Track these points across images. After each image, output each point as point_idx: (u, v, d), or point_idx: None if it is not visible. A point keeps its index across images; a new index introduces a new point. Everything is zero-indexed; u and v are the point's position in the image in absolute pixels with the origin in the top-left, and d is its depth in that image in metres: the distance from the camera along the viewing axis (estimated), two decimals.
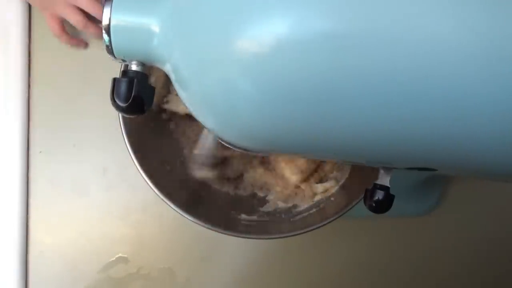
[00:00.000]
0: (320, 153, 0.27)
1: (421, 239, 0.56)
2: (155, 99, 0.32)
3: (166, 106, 0.48)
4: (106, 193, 0.53)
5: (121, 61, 0.26)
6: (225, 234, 0.41)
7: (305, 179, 0.49)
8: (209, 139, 0.41)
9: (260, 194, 0.50)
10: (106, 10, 0.24)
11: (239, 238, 0.43)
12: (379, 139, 0.23)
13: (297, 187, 0.50)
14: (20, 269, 0.51)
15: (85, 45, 0.54)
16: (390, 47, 0.19)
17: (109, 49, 0.25)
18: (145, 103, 0.26)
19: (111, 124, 0.51)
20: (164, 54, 0.24)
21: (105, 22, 0.24)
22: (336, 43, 0.20)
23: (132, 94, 0.25)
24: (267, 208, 0.49)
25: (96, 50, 0.54)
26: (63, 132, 0.53)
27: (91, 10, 0.48)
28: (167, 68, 0.25)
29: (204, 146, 0.43)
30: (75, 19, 0.49)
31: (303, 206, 0.48)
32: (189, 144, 0.50)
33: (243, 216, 0.47)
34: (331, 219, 0.41)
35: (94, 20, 0.49)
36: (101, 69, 0.54)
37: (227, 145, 0.29)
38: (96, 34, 0.50)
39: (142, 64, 0.26)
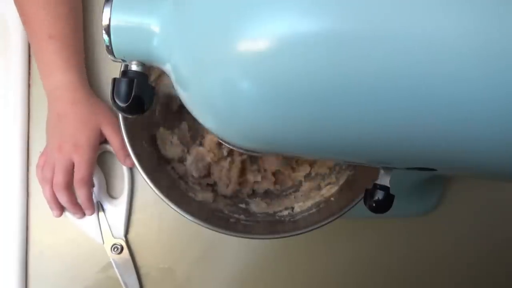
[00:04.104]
0: (320, 152, 0.27)
1: (421, 239, 0.56)
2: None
3: None
4: None
5: (121, 61, 0.26)
6: (225, 234, 0.41)
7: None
8: None
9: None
10: (106, 10, 0.24)
11: (239, 238, 0.43)
12: (379, 138, 0.23)
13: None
14: (20, 269, 0.51)
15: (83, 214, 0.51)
16: (390, 47, 0.19)
17: (109, 49, 0.25)
18: (145, 103, 0.26)
19: None
20: (164, 54, 0.24)
21: (105, 22, 0.24)
22: (336, 43, 0.20)
23: (132, 94, 0.25)
24: (266, 208, 0.49)
25: (96, 51, 0.54)
26: None
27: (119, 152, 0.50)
28: (167, 68, 0.25)
29: None
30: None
31: (303, 206, 0.48)
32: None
33: (243, 216, 0.47)
34: (331, 219, 0.41)
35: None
36: (100, 69, 0.54)
37: (227, 145, 0.29)
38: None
39: (142, 64, 0.26)
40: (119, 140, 0.49)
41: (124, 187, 0.53)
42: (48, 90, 0.49)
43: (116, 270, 0.52)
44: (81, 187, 0.48)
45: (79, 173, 0.47)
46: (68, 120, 0.47)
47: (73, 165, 0.47)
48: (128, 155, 0.48)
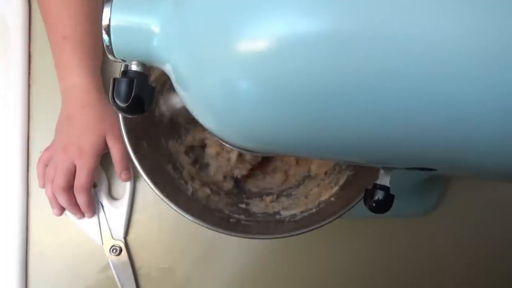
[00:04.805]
0: (320, 152, 0.27)
1: (421, 239, 0.56)
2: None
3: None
4: None
5: (121, 61, 0.26)
6: (225, 234, 0.41)
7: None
8: None
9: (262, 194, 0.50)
10: (106, 10, 0.24)
11: (239, 238, 0.43)
12: (379, 138, 0.23)
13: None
14: (20, 269, 0.51)
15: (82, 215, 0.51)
16: (389, 47, 0.19)
17: (109, 49, 0.25)
18: (145, 103, 0.26)
19: None
20: (164, 55, 0.24)
21: (105, 22, 0.24)
22: (335, 43, 0.20)
23: (132, 94, 0.25)
24: (266, 208, 0.49)
25: None
26: None
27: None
28: (167, 69, 0.25)
29: None
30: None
31: (303, 206, 0.48)
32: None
33: (243, 216, 0.47)
34: (331, 219, 0.41)
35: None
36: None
37: (227, 146, 0.29)
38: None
39: (142, 64, 0.26)
40: (120, 153, 0.49)
41: (126, 188, 0.53)
42: (62, 90, 0.49)
43: (114, 272, 0.52)
44: (80, 193, 0.48)
45: (80, 180, 0.47)
46: (76, 123, 0.47)
47: (75, 168, 0.47)
48: (126, 169, 0.49)
